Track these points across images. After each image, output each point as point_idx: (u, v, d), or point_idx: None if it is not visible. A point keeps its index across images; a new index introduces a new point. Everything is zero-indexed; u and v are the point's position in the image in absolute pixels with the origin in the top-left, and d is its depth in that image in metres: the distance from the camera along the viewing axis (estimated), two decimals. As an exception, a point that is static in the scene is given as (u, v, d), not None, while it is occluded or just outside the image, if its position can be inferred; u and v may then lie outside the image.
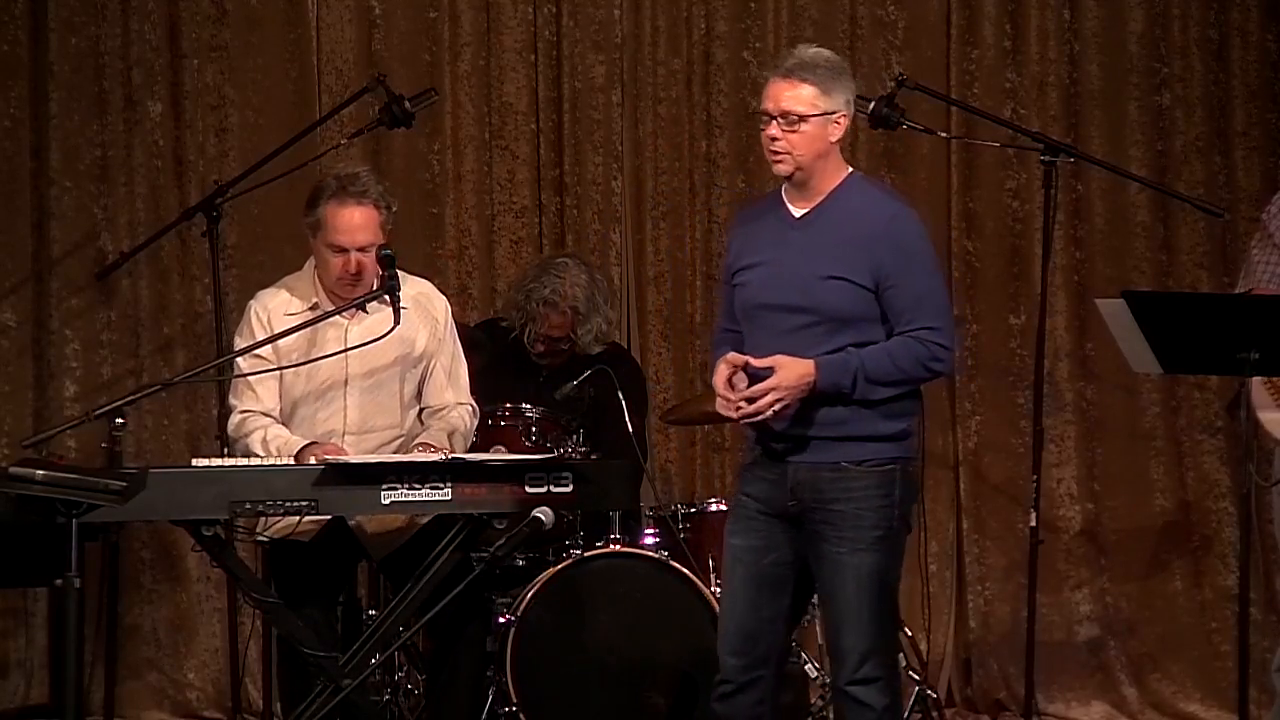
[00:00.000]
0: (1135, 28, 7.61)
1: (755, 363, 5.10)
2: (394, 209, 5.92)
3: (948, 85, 7.51)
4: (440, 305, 6.05)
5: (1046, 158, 6.67)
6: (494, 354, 6.80)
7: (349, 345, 5.80)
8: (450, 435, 5.93)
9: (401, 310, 5.82)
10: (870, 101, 6.72)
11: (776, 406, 5.08)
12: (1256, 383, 5.90)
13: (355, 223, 5.80)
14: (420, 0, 7.58)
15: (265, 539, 5.90)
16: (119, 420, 5.22)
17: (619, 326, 7.38)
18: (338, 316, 5.84)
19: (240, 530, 5.68)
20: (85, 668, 7.18)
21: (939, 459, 7.52)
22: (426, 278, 6.20)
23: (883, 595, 5.17)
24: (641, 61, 7.62)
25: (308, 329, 5.79)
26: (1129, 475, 7.61)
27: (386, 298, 5.76)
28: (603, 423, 6.71)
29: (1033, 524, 6.71)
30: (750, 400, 5.09)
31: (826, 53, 5.23)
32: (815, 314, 5.13)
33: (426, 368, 6.00)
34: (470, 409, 6.07)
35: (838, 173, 5.24)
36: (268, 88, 7.54)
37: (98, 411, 5.26)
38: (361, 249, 5.79)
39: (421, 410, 6.03)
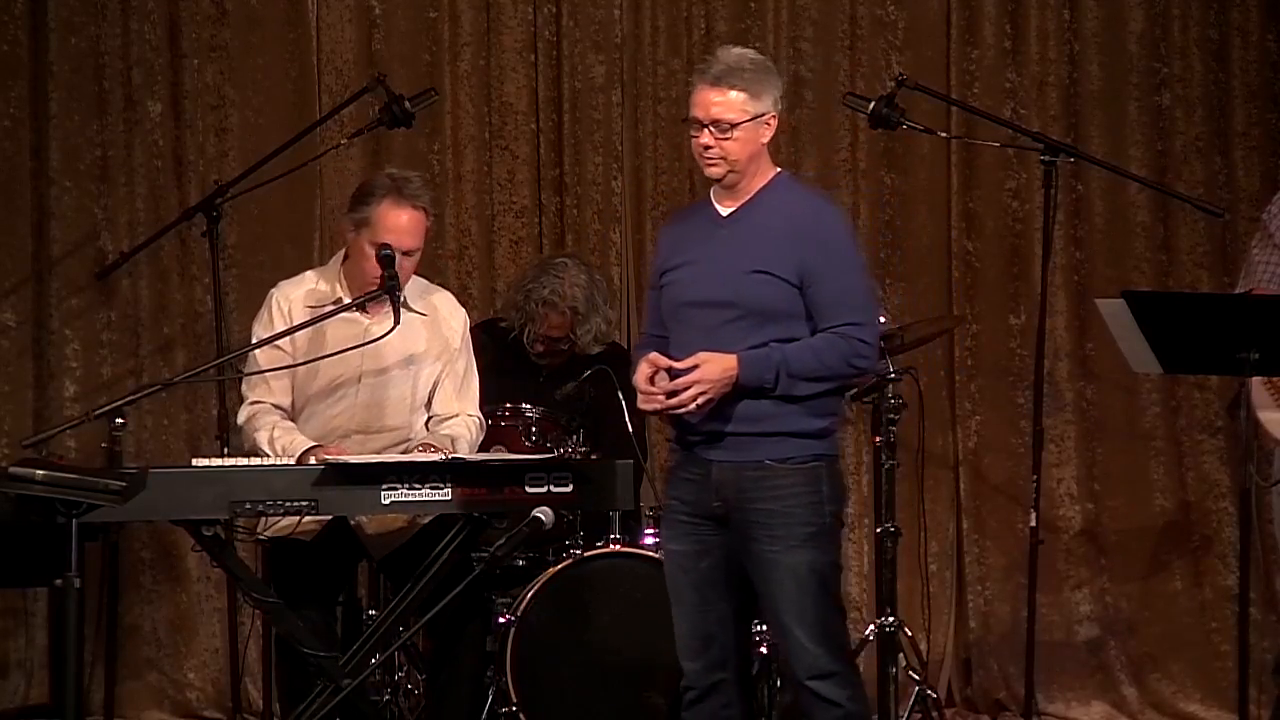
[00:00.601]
0: (1135, 28, 7.61)
1: (679, 365, 5.13)
2: (435, 214, 5.98)
3: (948, 85, 7.51)
4: (458, 320, 6.09)
5: (1046, 158, 6.67)
6: (494, 354, 6.80)
7: (364, 342, 5.83)
8: (454, 441, 5.94)
9: (419, 316, 5.90)
10: (870, 101, 6.72)
11: (700, 400, 5.10)
12: (1256, 383, 5.90)
13: (404, 225, 5.83)
14: (420, 0, 7.58)
15: (265, 539, 5.91)
16: (119, 420, 5.23)
17: (619, 326, 7.38)
18: (357, 314, 5.86)
19: (240, 530, 5.68)
20: (85, 668, 7.18)
21: (939, 459, 7.52)
22: (428, 278, 6.21)
23: (824, 590, 5.19)
24: (641, 61, 7.62)
25: (325, 325, 5.81)
26: (1129, 475, 7.60)
27: (405, 299, 5.80)
28: (603, 423, 6.71)
29: (1033, 524, 6.71)
30: (672, 394, 5.10)
31: (751, 53, 5.27)
32: (739, 308, 5.16)
33: (435, 376, 6.02)
34: (477, 421, 6.09)
35: (766, 172, 5.29)
36: (268, 88, 7.54)
37: (98, 411, 5.27)
38: (406, 252, 5.81)
39: (429, 419, 6.04)
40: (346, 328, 5.89)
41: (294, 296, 5.96)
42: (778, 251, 5.17)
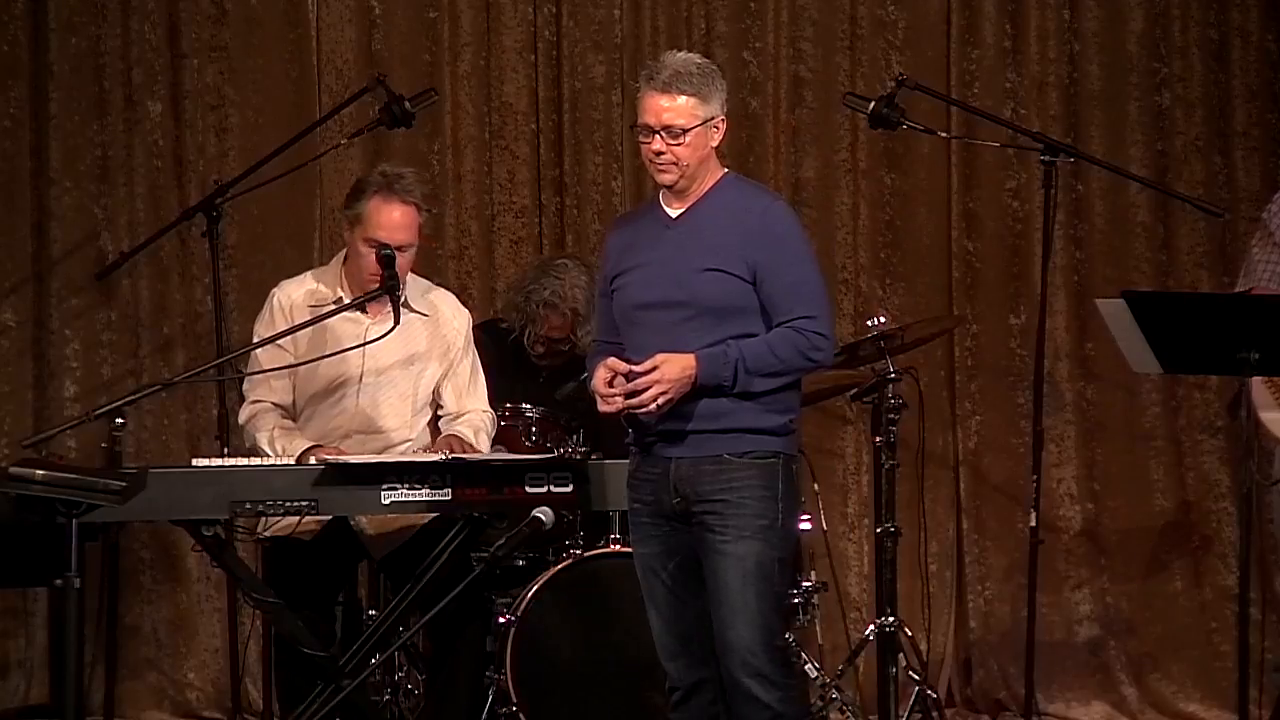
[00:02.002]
0: (1135, 28, 7.61)
1: (638, 368, 5.12)
2: (433, 212, 5.97)
3: (948, 85, 7.51)
4: (461, 320, 6.11)
5: (1046, 158, 6.67)
6: (494, 354, 6.80)
7: (364, 342, 5.84)
8: (476, 433, 5.99)
9: (420, 316, 5.92)
10: (870, 101, 6.72)
11: (660, 400, 5.10)
12: (1256, 383, 5.90)
13: (396, 220, 5.85)
14: (420, 0, 7.58)
15: (265, 538, 5.91)
16: (119, 420, 5.23)
17: (619, 326, 7.37)
18: (358, 314, 5.87)
19: (240, 530, 5.68)
20: (85, 668, 7.18)
21: (939, 459, 7.52)
22: (427, 278, 6.22)
23: (768, 585, 5.16)
24: (641, 61, 7.58)
25: (325, 324, 5.82)
26: (1129, 475, 7.60)
27: (405, 299, 5.80)
28: (603, 423, 6.70)
29: (1033, 524, 6.71)
30: (631, 395, 5.10)
31: (696, 58, 5.27)
32: (693, 307, 5.16)
33: (437, 377, 6.02)
34: (490, 416, 6.11)
35: (715, 174, 5.29)
36: (268, 88, 7.54)
37: (98, 411, 5.27)
38: (399, 247, 5.81)
39: (439, 418, 6.05)
40: (347, 328, 5.90)
41: (295, 296, 5.98)
42: (728, 248, 5.18)
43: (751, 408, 5.18)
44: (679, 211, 5.28)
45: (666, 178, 5.23)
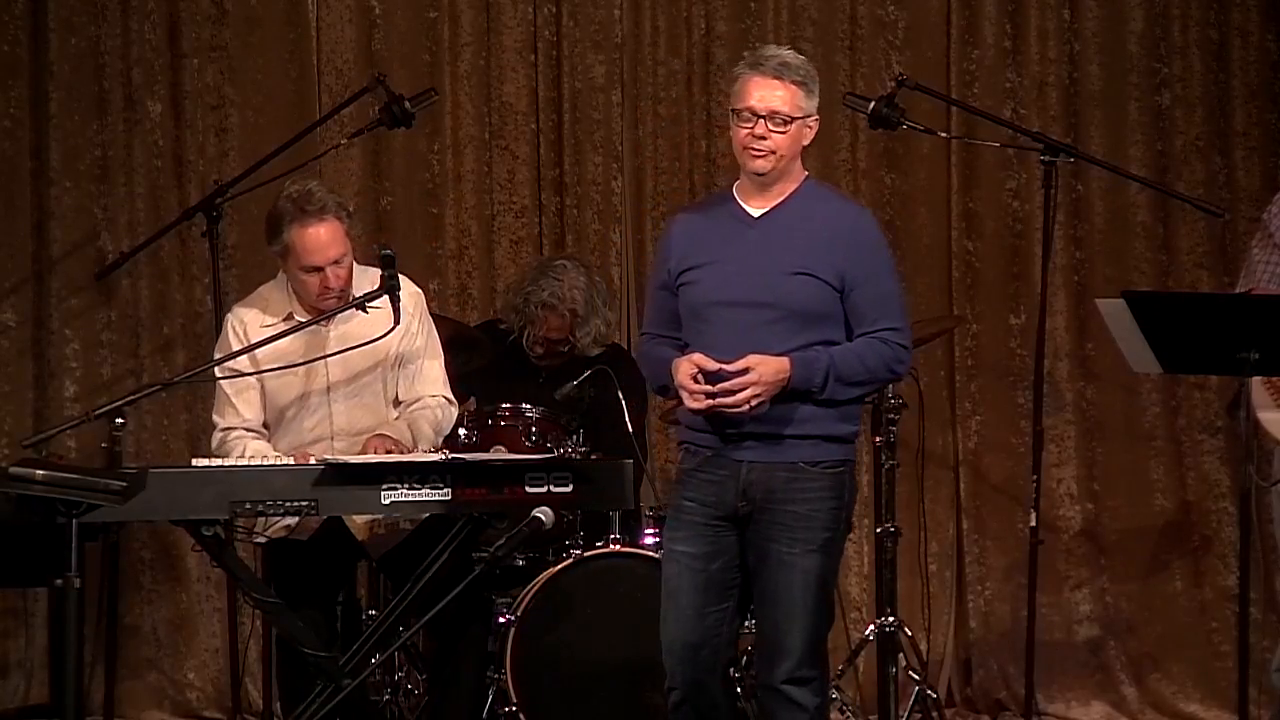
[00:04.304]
0: (1135, 28, 7.61)
1: (730, 367, 5.08)
2: (351, 213, 5.92)
3: (948, 85, 7.51)
4: (409, 297, 5.85)
5: (1046, 158, 6.67)
6: (494, 355, 6.81)
7: (334, 350, 5.78)
8: (413, 424, 5.90)
9: (377, 310, 5.77)
10: (870, 101, 6.72)
11: (754, 401, 5.08)
12: (1256, 383, 5.90)
13: (323, 240, 5.76)
14: (420, 0, 7.58)
15: (263, 538, 5.90)
16: (119, 420, 5.23)
17: (619, 327, 7.38)
18: (316, 326, 5.82)
19: (240, 530, 5.68)
20: (85, 668, 7.18)
21: (939, 459, 7.52)
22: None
23: (824, 596, 5.21)
24: (641, 61, 7.62)
25: (285, 340, 5.77)
26: (1129, 475, 7.60)
27: (397, 300, 5.76)
28: (603, 423, 6.71)
29: (1033, 524, 6.71)
30: (725, 393, 5.07)
31: (801, 56, 5.26)
32: (780, 309, 5.14)
33: (403, 365, 5.98)
34: (443, 400, 6.02)
35: (798, 175, 5.28)
36: (268, 88, 7.54)
37: (98, 411, 5.27)
38: (335, 262, 5.77)
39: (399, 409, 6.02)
40: (307, 338, 5.84)
41: (247, 318, 5.89)
42: (819, 253, 5.14)
43: (830, 415, 5.18)
44: (762, 210, 5.23)
45: (761, 164, 5.17)
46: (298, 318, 5.83)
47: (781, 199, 5.24)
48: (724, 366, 5.09)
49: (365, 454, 5.69)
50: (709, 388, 5.09)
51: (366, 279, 5.89)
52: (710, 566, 5.22)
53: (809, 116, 5.20)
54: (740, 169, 5.31)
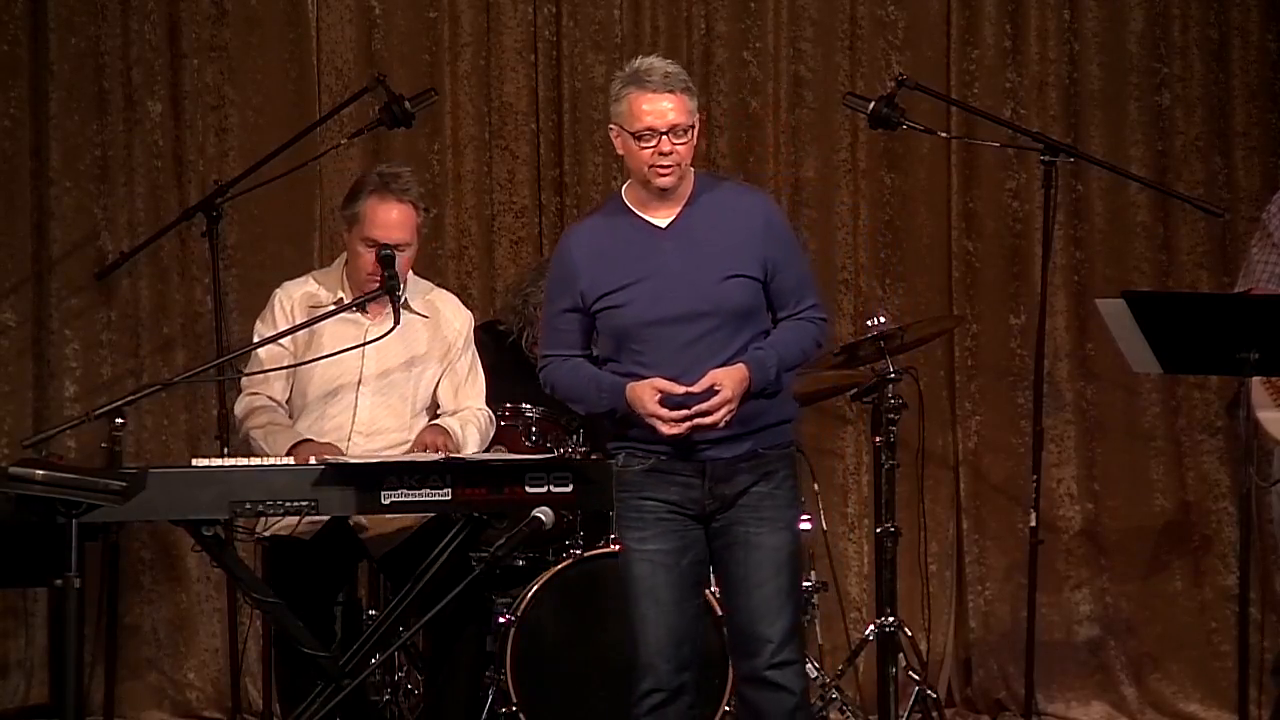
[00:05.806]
0: (1135, 28, 7.61)
1: (695, 389, 5.10)
2: (431, 213, 5.97)
3: (948, 85, 7.52)
4: (461, 320, 6.10)
5: (1046, 158, 6.67)
6: (494, 355, 6.80)
7: (364, 342, 5.86)
8: (464, 425, 5.98)
9: (420, 317, 5.93)
10: (870, 101, 6.72)
11: (730, 417, 5.12)
12: (1256, 383, 5.91)
13: (393, 219, 5.86)
14: (420, 0, 7.58)
15: (265, 538, 5.91)
16: (119, 420, 5.23)
17: (619, 326, 7.37)
18: (359, 315, 5.89)
19: (240, 530, 5.68)
20: (85, 668, 7.18)
21: (939, 459, 7.52)
22: (428, 278, 6.21)
23: (796, 578, 5.26)
24: (641, 61, 7.61)
25: (324, 326, 5.83)
26: (1129, 475, 7.60)
27: (405, 300, 5.81)
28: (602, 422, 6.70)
29: (1033, 524, 6.71)
30: (701, 414, 5.10)
31: (669, 60, 5.27)
32: (718, 315, 5.15)
33: (437, 378, 6.02)
34: (486, 414, 6.10)
35: (689, 174, 5.25)
36: (268, 88, 7.54)
37: (98, 411, 5.27)
38: (397, 246, 5.82)
39: (436, 417, 6.05)
40: (347, 329, 5.90)
41: (296, 296, 6.00)
42: (742, 253, 5.18)
43: (777, 402, 5.24)
44: (669, 219, 5.21)
45: (669, 180, 5.15)
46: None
47: (683, 204, 5.22)
48: (690, 389, 5.10)
49: (419, 446, 5.81)
50: (686, 412, 5.11)
51: (420, 288, 5.97)
52: (681, 562, 5.24)
53: (698, 118, 5.21)
54: (634, 180, 5.26)
